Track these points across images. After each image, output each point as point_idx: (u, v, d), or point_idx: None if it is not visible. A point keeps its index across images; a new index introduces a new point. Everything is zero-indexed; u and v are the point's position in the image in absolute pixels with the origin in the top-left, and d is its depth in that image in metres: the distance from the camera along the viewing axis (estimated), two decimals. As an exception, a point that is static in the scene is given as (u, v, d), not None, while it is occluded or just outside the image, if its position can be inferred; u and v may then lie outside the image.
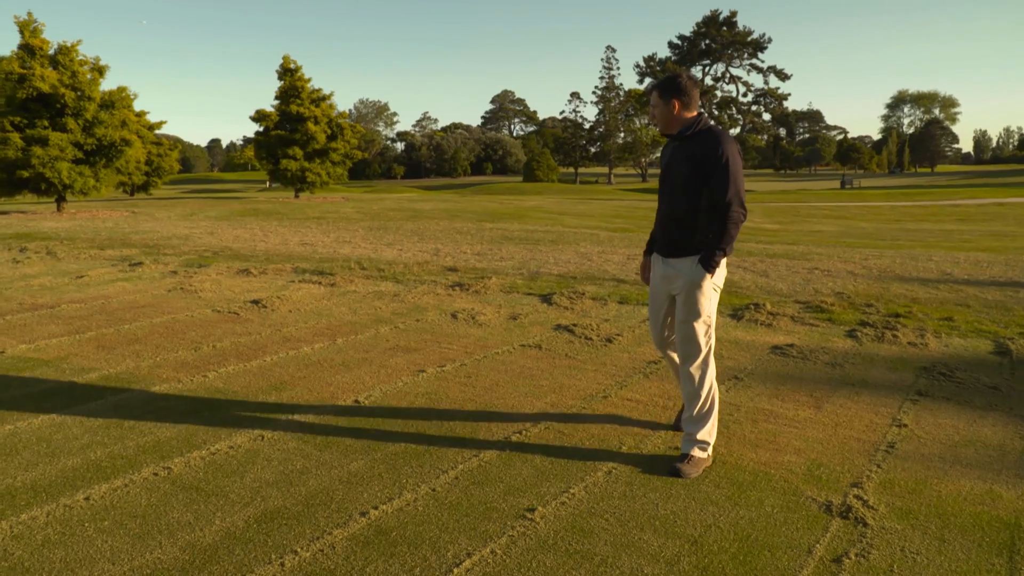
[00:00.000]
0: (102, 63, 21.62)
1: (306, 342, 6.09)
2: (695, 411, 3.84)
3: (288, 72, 32.58)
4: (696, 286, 3.79)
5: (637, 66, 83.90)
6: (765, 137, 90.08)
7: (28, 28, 21.05)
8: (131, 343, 6.02)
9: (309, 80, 32.83)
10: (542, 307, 7.52)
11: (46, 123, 20.35)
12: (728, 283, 8.77)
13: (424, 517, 3.24)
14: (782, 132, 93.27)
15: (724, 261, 3.85)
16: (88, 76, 21.33)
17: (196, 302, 7.66)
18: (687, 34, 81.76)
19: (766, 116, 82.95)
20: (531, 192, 57.64)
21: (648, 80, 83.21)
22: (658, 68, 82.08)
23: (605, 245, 12.90)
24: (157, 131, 42.76)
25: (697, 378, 3.82)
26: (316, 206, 25.85)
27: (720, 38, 79.37)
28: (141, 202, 32.94)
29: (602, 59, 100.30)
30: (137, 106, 43.33)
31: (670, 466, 3.76)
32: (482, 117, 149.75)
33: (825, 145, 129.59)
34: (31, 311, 7.23)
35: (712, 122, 3.86)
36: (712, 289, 3.83)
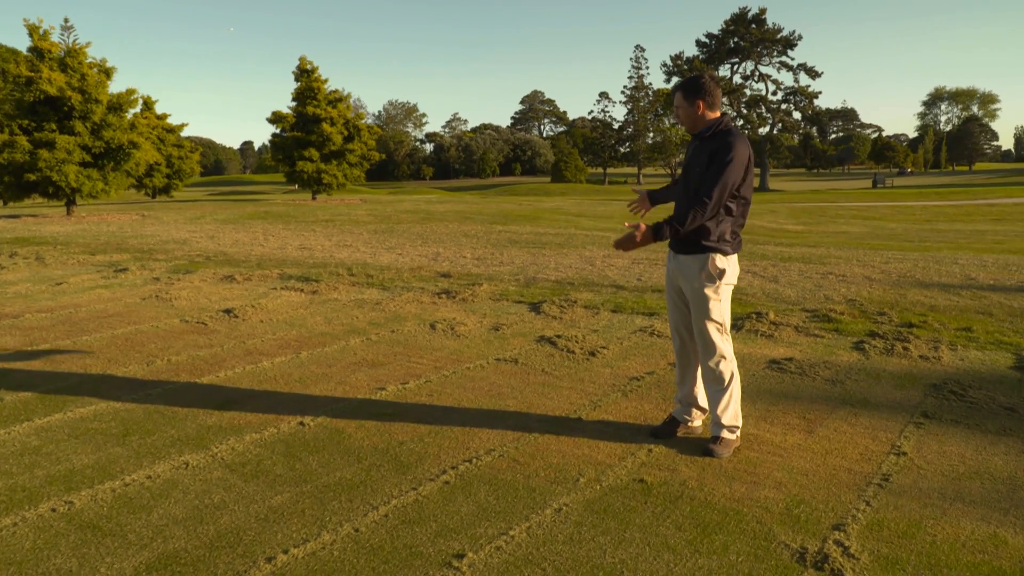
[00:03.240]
0: (109, 65, 21.62)
1: (268, 355, 5.75)
2: (721, 400, 3.91)
3: (305, 73, 32.47)
4: (701, 291, 3.86)
5: (664, 65, 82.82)
6: (798, 135, 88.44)
7: (37, 31, 21.12)
8: (83, 357, 5.72)
9: (326, 81, 32.71)
10: (529, 316, 7.11)
11: (54, 126, 20.39)
12: (733, 289, 8.29)
13: (337, 564, 2.86)
14: (813, 131, 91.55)
15: (734, 260, 3.92)
16: (96, 79, 21.31)
17: (167, 311, 7.37)
18: (715, 32, 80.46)
19: (796, 115, 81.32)
20: (556, 193, 57.17)
21: (675, 79, 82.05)
22: (685, 67, 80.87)
23: (613, 249, 12.45)
24: (183, 133, 43.09)
25: (717, 371, 3.90)
26: (329, 208, 25.66)
27: (749, 36, 78.01)
28: (156, 205, 33.05)
29: (631, 59, 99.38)
30: (160, 108, 43.67)
31: (703, 447, 3.93)
32: (512, 118, 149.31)
33: (859, 144, 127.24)
34: (-7, 321, 7.01)
35: (733, 125, 3.81)
36: (717, 293, 3.86)
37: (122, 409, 4.55)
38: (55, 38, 21.50)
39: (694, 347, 4.14)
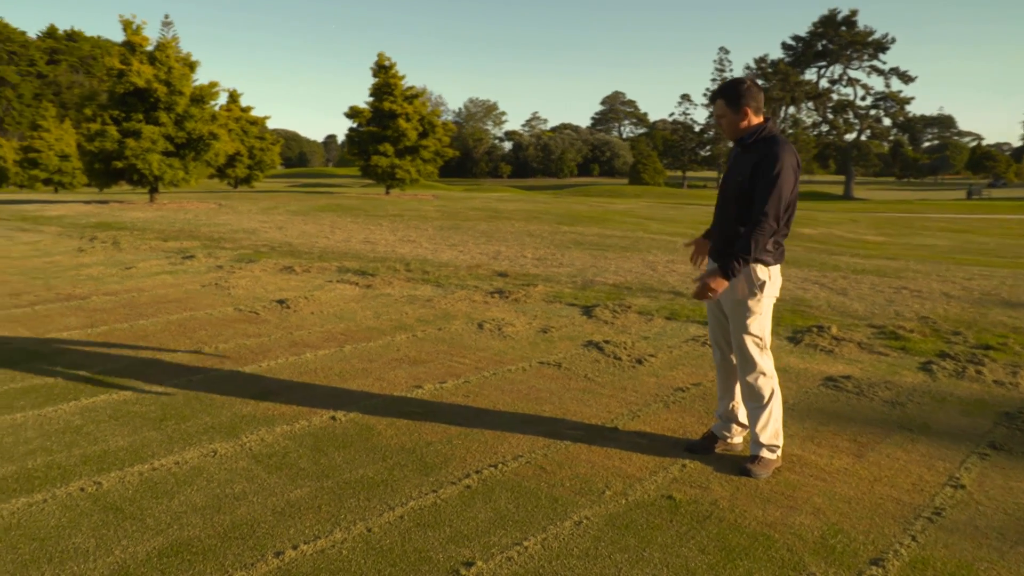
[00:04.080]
0: (193, 59, 22.47)
1: (312, 347, 5.79)
2: (760, 417, 3.73)
3: (383, 69, 32.95)
4: (740, 304, 3.68)
5: (748, 68, 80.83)
6: (889, 142, 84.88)
7: (131, 26, 22.13)
8: (137, 340, 5.89)
9: (403, 77, 33.09)
10: (580, 320, 6.97)
11: (140, 116, 21.32)
12: (796, 300, 7.96)
13: (343, 563, 2.82)
14: (904, 138, 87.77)
15: (778, 271, 3.75)
16: (181, 72, 22.16)
17: (223, 299, 7.54)
18: (802, 34, 78.11)
19: (886, 121, 78.13)
20: (630, 195, 56.51)
21: (759, 82, 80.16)
22: (770, 70, 78.72)
23: (677, 254, 12.15)
24: (269, 126, 44.36)
25: (756, 387, 3.72)
26: (401, 203, 25.97)
27: (838, 38, 75.34)
28: (235, 195, 34.08)
29: (714, 60, 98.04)
30: (246, 101, 45.00)
31: (740, 466, 3.75)
32: (592, 118, 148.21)
33: (955, 152, 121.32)
34: (62, 301, 7.30)
35: (777, 131, 3.63)
36: (758, 306, 3.67)
37: (163, 393, 4.64)
38: (154, 33, 22.53)
39: (734, 361, 3.95)
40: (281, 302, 7.33)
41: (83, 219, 17.77)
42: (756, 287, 3.68)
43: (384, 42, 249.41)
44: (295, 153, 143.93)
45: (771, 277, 3.72)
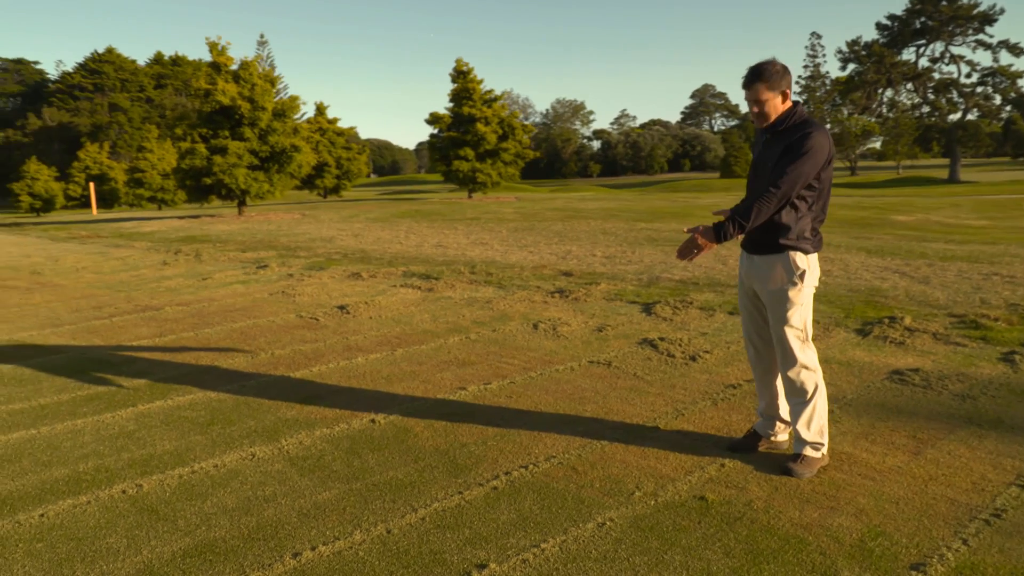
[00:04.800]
0: (275, 74, 23.42)
1: (365, 352, 5.88)
2: (803, 413, 3.56)
3: (461, 75, 33.34)
4: (780, 294, 3.52)
5: (839, 52, 77.38)
6: (1000, 120, 79.57)
7: (216, 48, 23.24)
8: (199, 348, 6.14)
9: (481, 82, 33.37)
10: (638, 318, 6.83)
11: (227, 133, 22.38)
12: (872, 291, 7.56)
13: (358, 564, 2.84)
14: (1018, 115, 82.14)
15: (815, 260, 3.56)
16: (263, 88, 23.08)
17: (287, 306, 7.77)
18: (898, 13, 74.29)
19: (997, 98, 73.33)
20: (718, 189, 55.13)
21: (852, 66, 76.57)
22: (863, 52, 75.20)
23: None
24: (356, 134, 45.61)
25: (798, 382, 3.56)
26: (480, 206, 26.18)
27: (939, 14, 71.24)
28: (321, 204, 35.14)
29: (806, 47, 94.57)
30: (333, 113, 46.36)
31: (782, 465, 3.58)
32: (681, 112, 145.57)
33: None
34: (138, 312, 7.69)
35: (809, 115, 3.48)
36: (799, 296, 3.50)
37: (215, 399, 4.81)
38: (250, 51, 23.57)
39: (771, 356, 3.77)
40: (342, 308, 7.50)
41: (173, 234, 18.74)
42: (796, 276, 3.51)
43: (471, 48, 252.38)
44: (387, 161, 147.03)
45: (810, 266, 3.55)
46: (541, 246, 12.89)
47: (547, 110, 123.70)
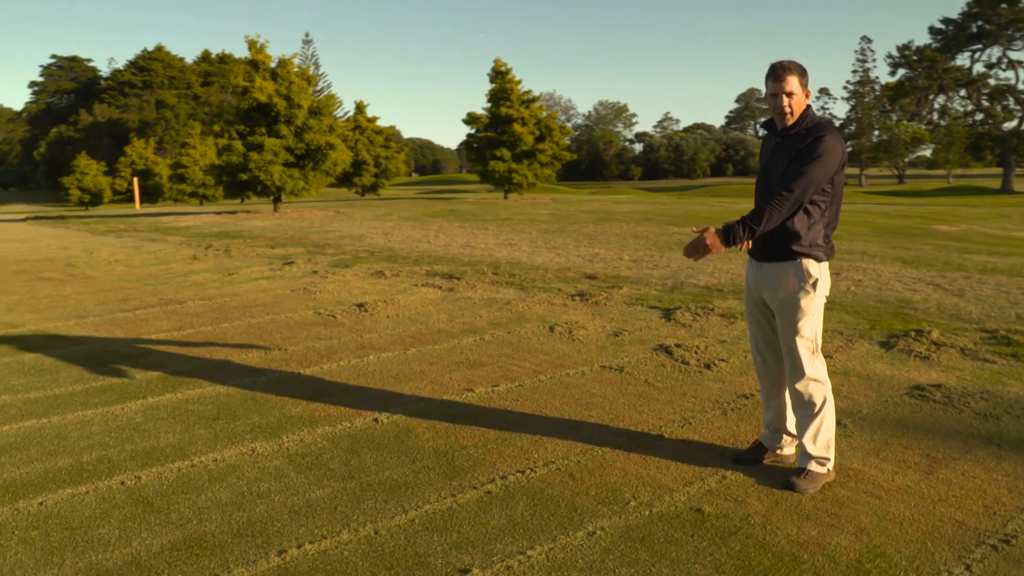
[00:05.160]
0: (319, 72, 23.77)
1: (377, 350, 5.88)
2: (809, 427, 3.47)
3: (499, 75, 33.40)
4: (791, 303, 3.42)
5: (889, 56, 75.72)
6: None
7: (255, 45, 23.62)
8: (215, 342, 6.20)
9: (519, 82, 33.40)
10: (657, 323, 6.73)
11: (263, 130, 22.74)
12: (902, 303, 7.35)
13: (342, 564, 2.82)
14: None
15: (827, 268, 3.47)
16: (299, 86, 23.36)
17: (307, 303, 7.81)
18: (953, 16, 72.41)
19: (1057, 105, 71.02)
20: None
21: (901, 71, 74.83)
22: (914, 57, 73.53)
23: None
24: (398, 133, 45.97)
25: (806, 395, 3.47)
26: (514, 207, 26.14)
27: (998, 18, 69.20)
28: (357, 202, 35.43)
29: (855, 51, 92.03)
30: (373, 112, 46.76)
31: (785, 479, 3.48)
32: (726, 117, 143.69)
33: None
34: (162, 305, 7.80)
35: (821, 118, 3.41)
36: (810, 306, 3.41)
37: (224, 393, 4.84)
38: (295, 49, 23.92)
39: (779, 367, 3.67)
40: (360, 306, 7.52)
41: (207, 229, 19.04)
42: (808, 284, 3.42)
43: (516, 49, 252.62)
44: (429, 161, 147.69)
45: (823, 274, 3.45)
46: (569, 248, 12.81)
47: (589, 112, 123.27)
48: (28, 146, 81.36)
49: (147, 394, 4.83)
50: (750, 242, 3.46)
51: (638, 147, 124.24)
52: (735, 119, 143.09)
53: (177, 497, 3.40)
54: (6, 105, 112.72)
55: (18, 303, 8.28)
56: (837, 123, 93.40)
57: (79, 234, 19.34)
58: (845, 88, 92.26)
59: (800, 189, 3.24)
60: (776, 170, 3.41)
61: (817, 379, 3.48)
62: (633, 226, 17.48)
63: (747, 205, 31.76)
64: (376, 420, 4.34)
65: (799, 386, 3.48)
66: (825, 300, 3.53)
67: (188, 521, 3.18)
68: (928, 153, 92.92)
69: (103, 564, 2.85)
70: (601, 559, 2.86)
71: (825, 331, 6.22)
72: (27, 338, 6.50)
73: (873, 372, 5.20)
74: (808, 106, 3.41)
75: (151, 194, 51.37)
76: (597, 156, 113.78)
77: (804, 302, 3.42)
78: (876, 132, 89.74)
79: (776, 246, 3.43)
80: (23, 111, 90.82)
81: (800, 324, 3.44)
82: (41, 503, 3.35)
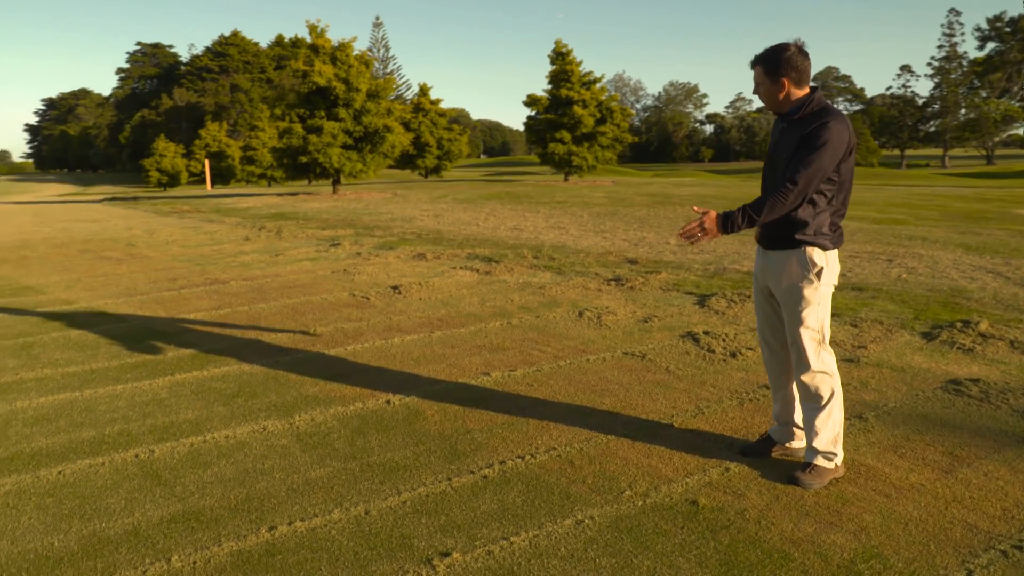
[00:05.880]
0: (380, 56, 24.05)
1: (403, 333, 5.94)
2: (816, 420, 3.37)
3: (559, 56, 33.05)
4: (795, 293, 3.31)
5: (978, 29, 72.04)
6: None
7: (315, 30, 24.00)
8: (249, 322, 6.36)
9: (580, 63, 32.99)
10: (690, 309, 6.60)
11: (322, 113, 23.15)
12: (954, 291, 7.02)
13: (328, 542, 2.87)
14: None
15: (835, 257, 3.35)
16: (358, 70, 23.65)
17: (344, 284, 7.93)
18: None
19: None
20: (830, 178, 52.68)
21: (991, 45, 71.12)
22: (1007, 29, 69.85)
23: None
24: (467, 114, 46.02)
25: (812, 387, 3.37)
26: (572, 190, 25.97)
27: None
28: (417, 184, 35.74)
29: (942, 25, 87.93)
30: (440, 95, 46.88)
31: (789, 474, 3.39)
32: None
33: None
34: (206, 285, 8.05)
35: (828, 103, 3.26)
36: (815, 296, 3.30)
37: (247, 372, 4.97)
38: (364, 33, 24.23)
39: (786, 358, 3.56)
40: (395, 288, 7.60)
41: (265, 210, 19.53)
42: (812, 272, 3.29)
43: (585, 30, 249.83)
44: (498, 143, 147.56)
45: (828, 263, 3.32)
46: (618, 232, 12.66)
47: (659, 93, 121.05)
48: (114, 130, 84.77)
49: (176, 371, 4.99)
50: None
51: (709, 128, 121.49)
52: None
53: (185, 471, 3.52)
54: (96, 91, 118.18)
55: (76, 281, 8.67)
56: (920, 102, 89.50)
57: (145, 215, 20.10)
58: (929, 65, 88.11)
59: (804, 181, 3.13)
60: (782, 157, 3.31)
61: (824, 371, 3.36)
62: (688, 210, 17.15)
63: (815, 188, 30.76)
64: (388, 402, 4.38)
65: (805, 378, 3.38)
66: (832, 289, 3.40)
67: (191, 495, 3.28)
68: (1022, 132, 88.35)
69: (105, 532, 2.97)
70: (584, 548, 2.83)
71: (865, 321, 6.00)
72: (77, 315, 6.81)
73: (908, 364, 4.99)
74: (814, 88, 3.27)
75: (224, 176, 52.94)
76: (667, 138, 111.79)
77: (808, 291, 3.31)
78: (963, 110, 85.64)
79: (781, 234, 3.33)
80: (110, 96, 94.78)
81: (805, 314, 3.32)
82: (60, 472, 3.51)
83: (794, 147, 3.22)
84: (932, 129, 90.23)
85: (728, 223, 3.23)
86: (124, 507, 3.18)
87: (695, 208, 3.36)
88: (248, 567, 2.71)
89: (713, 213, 3.27)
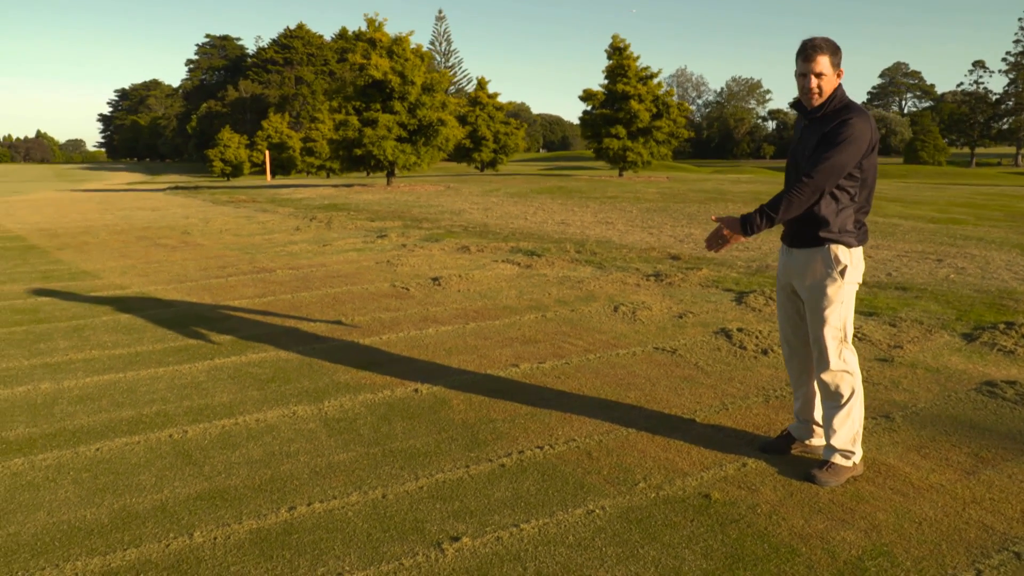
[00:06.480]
0: (424, 50, 24.25)
1: (438, 323, 6.04)
2: (835, 418, 3.36)
3: (616, 51, 32.87)
4: (819, 291, 3.31)
5: (1055, 23, 69.03)
6: None
7: (374, 24, 24.37)
8: (290, 310, 6.56)
9: (637, 58, 32.75)
10: (727, 306, 6.56)
11: (378, 106, 23.51)
12: (1003, 292, 6.81)
13: (343, 523, 2.99)
14: None
15: (859, 255, 3.33)
16: (414, 63, 23.93)
17: (386, 275, 8.09)
18: None
19: None
20: (895, 175, 51.16)
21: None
22: (1085, 24, 66.70)
23: (890, 239, 10.88)
24: (528, 108, 46.02)
25: (833, 386, 3.35)
26: (624, 185, 25.81)
27: None
28: (471, 177, 35.94)
29: (1019, 18, 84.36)
30: (499, 88, 47.02)
31: (806, 471, 3.39)
32: (868, 93, 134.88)
33: None
34: (253, 273, 8.30)
35: (850, 99, 3.24)
36: (839, 294, 3.29)
37: (283, 358, 5.14)
38: (426, 26, 24.54)
39: (807, 356, 3.54)
40: (435, 280, 7.72)
41: (318, 201, 19.93)
42: (836, 271, 3.28)
43: (651, 27, 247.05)
44: (558, 137, 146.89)
45: (852, 261, 3.30)
46: (665, 228, 12.58)
47: (721, 88, 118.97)
48: (182, 120, 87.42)
49: (215, 356, 5.19)
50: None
51: (771, 125, 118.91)
52: (878, 95, 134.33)
53: (215, 452, 3.67)
54: (166, 82, 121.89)
55: (131, 267, 9.04)
56: (993, 98, 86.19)
57: (203, 204, 20.70)
58: (1004, 60, 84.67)
59: (822, 176, 3.12)
60: (803, 154, 3.29)
61: (845, 370, 3.34)
62: (740, 207, 16.91)
63: (883, 185, 29.99)
64: (416, 390, 4.49)
65: (826, 377, 3.36)
66: (857, 287, 3.37)
67: (218, 474, 3.43)
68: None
69: (134, 507, 3.13)
70: (591, 537, 2.88)
71: (905, 320, 5.88)
72: (129, 299, 7.11)
73: (944, 365, 4.88)
74: (839, 86, 3.24)
75: (284, 167, 54.12)
76: (728, 133, 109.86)
77: (831, 290, 3.29)
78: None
79: (804, 232, 3.32)
80: (179, 87, 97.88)
81: (827, 312, 3.31)
82: (98, 449, 3.70)
83: (815, 144, 3.21)
84: (1005, 126, 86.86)
85: (748, 225, 3.24)
86: (154, 484, 3.34)
87: (713, 217, 3.38)
88: (265, 544, 2.84)
89: (728, 218, 3.29)
